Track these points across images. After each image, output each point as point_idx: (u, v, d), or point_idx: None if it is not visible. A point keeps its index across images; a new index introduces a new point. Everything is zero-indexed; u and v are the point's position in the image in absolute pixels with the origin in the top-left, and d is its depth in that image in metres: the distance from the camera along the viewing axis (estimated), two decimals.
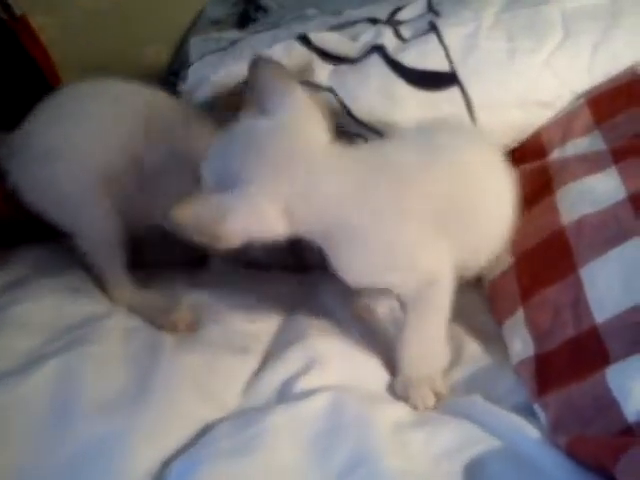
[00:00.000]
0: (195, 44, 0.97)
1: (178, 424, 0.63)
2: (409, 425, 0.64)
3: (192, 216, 0.62)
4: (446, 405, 0.68)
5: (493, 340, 0.74)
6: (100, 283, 0.83)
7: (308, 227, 0.66)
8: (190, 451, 0.60)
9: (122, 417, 0.62)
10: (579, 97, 0.86)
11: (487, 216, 0.73)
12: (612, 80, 0.85)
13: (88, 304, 0.79)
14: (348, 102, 0.84)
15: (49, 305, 0.77)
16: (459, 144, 0.74)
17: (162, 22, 1.26)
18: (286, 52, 0.85)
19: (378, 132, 0.85)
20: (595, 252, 0.67)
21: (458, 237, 0.69)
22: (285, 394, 0.68)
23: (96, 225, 0.81)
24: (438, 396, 0.69)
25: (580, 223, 0.71)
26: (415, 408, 0.68)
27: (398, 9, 0.93)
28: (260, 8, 1.19)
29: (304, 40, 0.86)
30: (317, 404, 0.64)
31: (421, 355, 0.71)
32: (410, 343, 0.71)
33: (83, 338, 0.71)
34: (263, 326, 0.80)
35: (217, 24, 1.20)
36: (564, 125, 0.84)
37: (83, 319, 0.75)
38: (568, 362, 0.64)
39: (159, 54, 1.28)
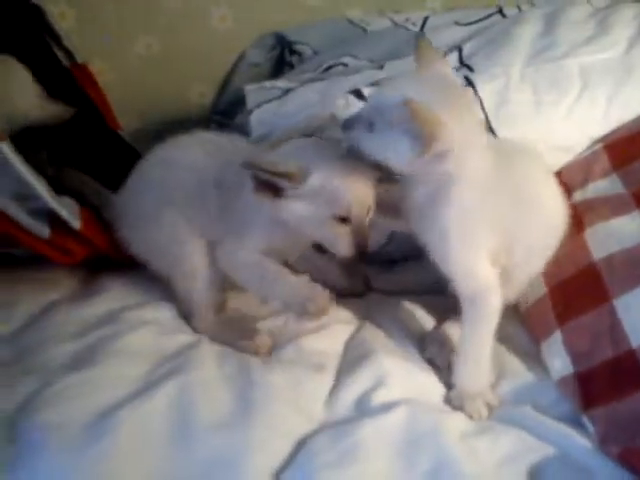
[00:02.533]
0: (250, 93, 1.05)
1: (279, 436, 0.71)
2: (473, 434, 0.73)
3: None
4: (498, 415, 0.76)
5: (532, 357, 0.82)
6: (184, 315, 0.90)
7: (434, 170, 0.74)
8: (296, 463, 0.67)
9: (235, 433, 0.69)
10: (596, 141, 0.96)
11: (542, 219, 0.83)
12: (627, 127, 0.95)
13: (178, 334, 0.86)
14: None
15: (145, 336, 0.83)
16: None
17: (206, 66, 1.34)
18: (347, 104, 0.95)
19: None
20: (627, 285, 0.75)
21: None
22: (362, 407, 0.76)
23: (193, 273, 0.88)
24: (490, 407, 0.77)
25: (610, 259, 0.79)
26: (471, 418, 0.76)
27: None
28: (295, 52, 1.28)
29: (357, 94, 0.96)
30: (396, 417, 0.72)
31: (472, 367, 0.78)
32: (464, 352, 0.79)
33: (184, 365, 0.78)
34: (331, 345, 0.86)
35: (256, 66, 1.29)
36: (584, 168, 0.93)
37: (178, 348, 0.82)
38: (609, 380, 0.72)
39: (204, 95, 1.37)
